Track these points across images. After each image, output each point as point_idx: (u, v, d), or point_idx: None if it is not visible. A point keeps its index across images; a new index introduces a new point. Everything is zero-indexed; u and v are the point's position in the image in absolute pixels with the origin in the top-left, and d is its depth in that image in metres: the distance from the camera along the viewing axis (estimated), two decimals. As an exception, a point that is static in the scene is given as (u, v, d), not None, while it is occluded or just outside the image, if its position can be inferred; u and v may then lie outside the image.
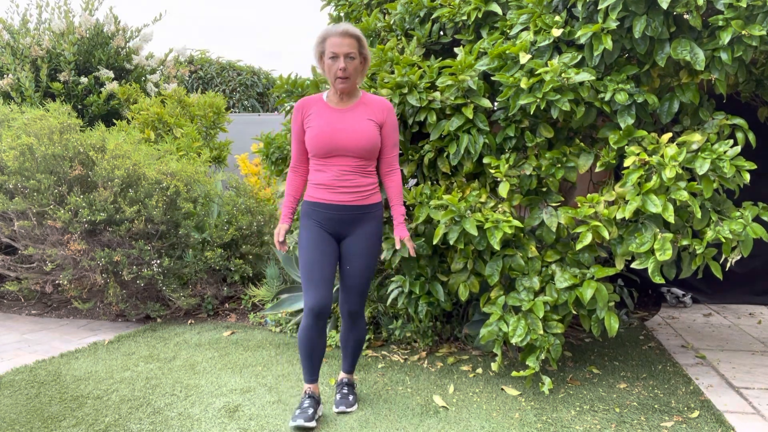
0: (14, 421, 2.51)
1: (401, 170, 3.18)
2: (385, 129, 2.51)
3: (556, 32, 2.72)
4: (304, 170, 2.59)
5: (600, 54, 2.67)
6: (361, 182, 2.47)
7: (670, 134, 2.66)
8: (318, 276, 2.42)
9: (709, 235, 2.55)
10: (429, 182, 3.05)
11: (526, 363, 2.71)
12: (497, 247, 2.64)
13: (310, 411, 2.44)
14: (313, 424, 2.40)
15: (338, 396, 2.65)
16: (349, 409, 2.60)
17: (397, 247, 2.54)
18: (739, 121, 2.71)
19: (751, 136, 2.71)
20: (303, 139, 2.52)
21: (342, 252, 2.54)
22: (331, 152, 2.42)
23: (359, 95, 2.52)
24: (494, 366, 2.87)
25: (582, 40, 2.65)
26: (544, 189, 2.91)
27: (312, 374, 2.56)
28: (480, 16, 3.11)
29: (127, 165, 3.91)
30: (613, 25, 2.56)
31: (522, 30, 2.91)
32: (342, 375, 2.76)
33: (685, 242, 2.59)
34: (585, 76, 2.57)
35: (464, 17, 3.17)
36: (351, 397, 2.65)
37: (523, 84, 2.66)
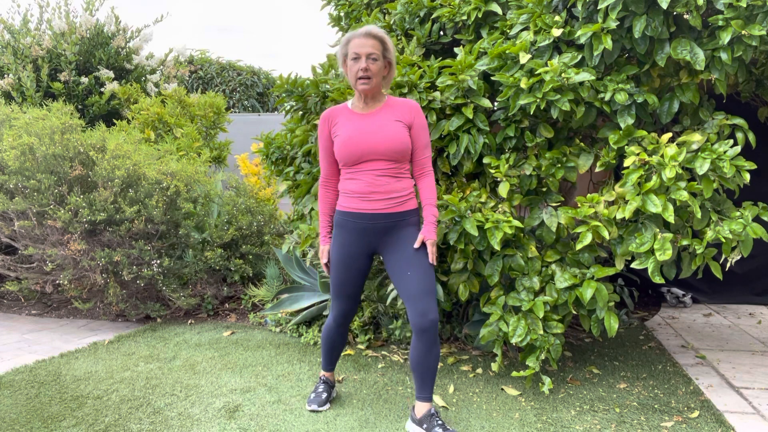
0: (14, 421, 2.51)
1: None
2: (414, 129, 2.40)
3: (556, 32, 2.72)
4: (335, 183, 2.51)
5: (600, 54, 2.67)
6: (395, 187, 2.36)
7: (670, 134, 2.66)
8: (347, 293, 2.52)
9: (709, 235, 2.55)
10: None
11: (526, 363, 2.71)
12: (497, 248, 2.64)
13: (324, 396, 2.66)
14: (326, 407, 2.65)
15: None
16: None
17: (416, 245, 2.34)
18: (739, 121, 2.71)
19: (751, 136, 2.71)
20: (332, 151, 2.45)
21: (392, 265, 2.38)
22: (362, 158, 2.34)
23: (384, 99, 2.43)
24: (494, 366, 2.87)
25: (582, 40, 2.65)
26: (544, 189, 2.91)
27: (329, 364, 2.76)
28: (480, 16, 3.11)
29: (128, 165, 3.91)
30: (613, 24, 2.56)
31: (522, 30, 2.91)
32: (420, 406, 2.37)
33: (685, 242, 2.59)
34: (585, 76, 2.57)
35: (464, 17, 3.17)
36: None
37: (523, 84, 2.65)
